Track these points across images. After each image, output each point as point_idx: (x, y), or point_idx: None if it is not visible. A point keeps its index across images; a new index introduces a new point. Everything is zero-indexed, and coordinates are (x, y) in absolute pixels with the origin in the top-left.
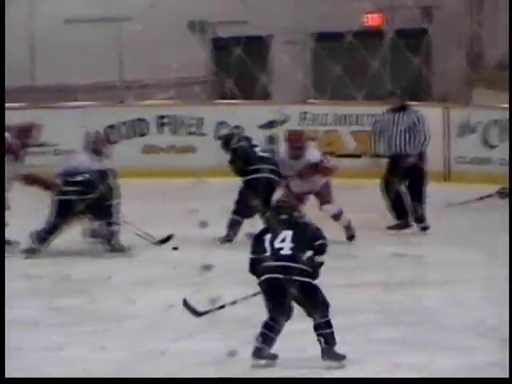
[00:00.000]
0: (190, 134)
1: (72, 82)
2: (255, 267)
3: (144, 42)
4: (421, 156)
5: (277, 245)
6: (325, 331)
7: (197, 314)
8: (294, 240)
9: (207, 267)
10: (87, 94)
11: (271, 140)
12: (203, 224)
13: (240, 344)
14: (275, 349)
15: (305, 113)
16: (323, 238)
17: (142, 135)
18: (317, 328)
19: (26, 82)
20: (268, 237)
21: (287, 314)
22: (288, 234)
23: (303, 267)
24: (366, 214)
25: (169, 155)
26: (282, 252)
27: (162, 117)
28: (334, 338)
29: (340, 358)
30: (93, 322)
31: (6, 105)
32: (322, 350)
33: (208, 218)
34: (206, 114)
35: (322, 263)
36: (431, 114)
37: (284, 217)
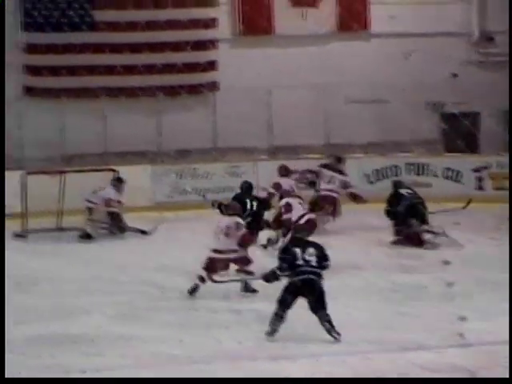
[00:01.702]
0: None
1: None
2: (285, 269)
3: None
4: None
5: (307, 257)
6: (327, 318)
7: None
8: (316, 255)
9: None
10: None
11: None
12: None
13: None
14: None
15: None
16: (328, 256)
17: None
18: (321, 317)
19: None
20: (298, 250)
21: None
22: (312, 250)
23: (321, 274)
24: None
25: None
26: (312, 263)
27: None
28: (331, 323)
29: (337, 334)
30: None
31: None
32: (327, 330)
33: None
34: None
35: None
36: None
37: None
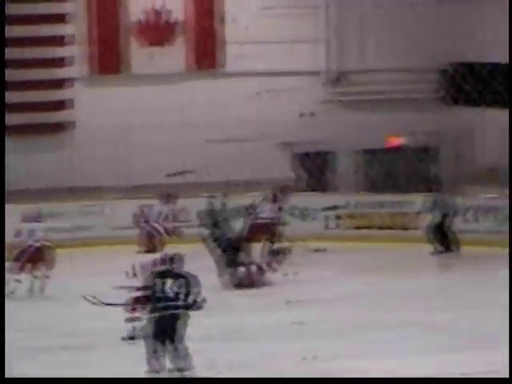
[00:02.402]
0: None
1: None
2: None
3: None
4: None
5: (168, 290)
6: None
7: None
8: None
9: None
10: None
11: None
12: None
13: None
14: None
15: None
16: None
17: None
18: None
19: None
20: (159, 282)
21: None
22: (172, 282)
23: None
24: None
25: None
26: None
27: None
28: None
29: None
30: None
31: None
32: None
33: None
34: None
35: None
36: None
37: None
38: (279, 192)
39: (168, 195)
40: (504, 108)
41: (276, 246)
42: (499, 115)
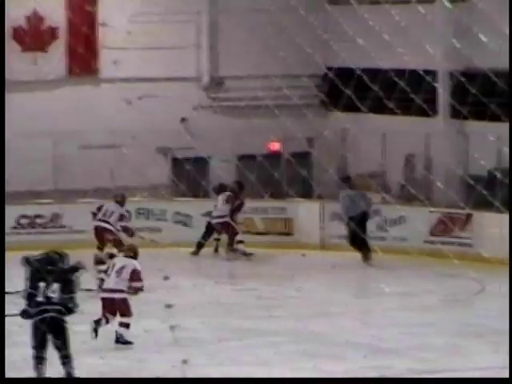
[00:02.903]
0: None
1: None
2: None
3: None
4: None
5: (50, 293)
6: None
7: None
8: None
9: None
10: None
11: None
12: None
13: None
14: None
15: None
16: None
17: None
18: (63, 357)
19: None
20: (42, 285)
21: None
22: (56, 286)
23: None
24: None
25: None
26: (55, 300)
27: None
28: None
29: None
30: None
31: None
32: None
33: None
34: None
35: None
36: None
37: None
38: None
39: (122, 196)
40: (382, 114)
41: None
42: (378, 120)
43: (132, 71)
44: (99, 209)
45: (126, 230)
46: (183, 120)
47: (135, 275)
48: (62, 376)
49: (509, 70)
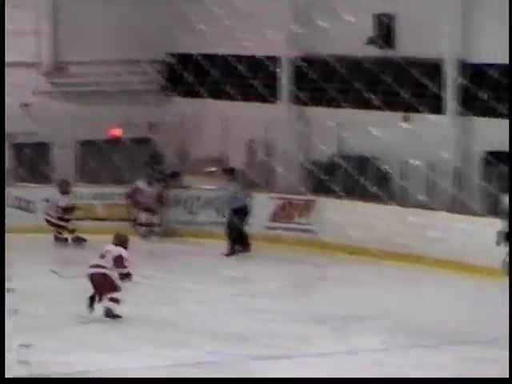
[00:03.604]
0: None
1: None
2: None
3: None
4: None
5: None
6: None
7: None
8: None
9: None
10: None
11: None
12: None
13: None
14: None
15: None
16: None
17: None
18: None
19: None
20: None
21: None
22: None
23: None
24: None
25: None
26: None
27: None
28: None
29: None
30: None
31: None
32: None
33: None
34: None
35: None
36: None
37: None
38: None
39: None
40: (223, 99)
41: None
42: (219, 106)
43: None
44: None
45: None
46: (24, 105)
47: (118, 261)
48: None
49: (509, 69)
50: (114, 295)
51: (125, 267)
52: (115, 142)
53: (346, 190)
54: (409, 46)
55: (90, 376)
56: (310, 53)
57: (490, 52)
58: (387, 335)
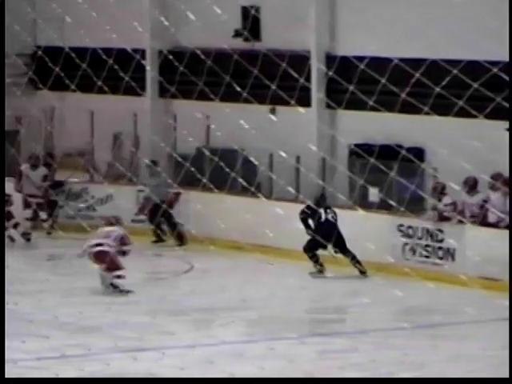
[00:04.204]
0: None
1: None
2: None
3: None
4: None
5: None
6: None
7: None
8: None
9: None
10: None
11: None
12: None
13: None
14: None
15: None
16: None
17: None
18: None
19: None
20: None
21: None
22: None
23: None
24: None
25: None
26: None
27: None
28: None
29: None
30: None
31: None
32: None
33: None
34: None
35: None
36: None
37: None
38: None
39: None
40: (91, 92)
41: None
42: (86, 99)
43: None
44: None
45: None
46: None
47: (126, 239)
48: None
49: (509, 67)
50: (119, 273)
51: (130, 244)
52: None
53: (213, 182)
54: (275, 38)
55: None
56: (176, 45)
57: (357, 45)
58: (250, 327)
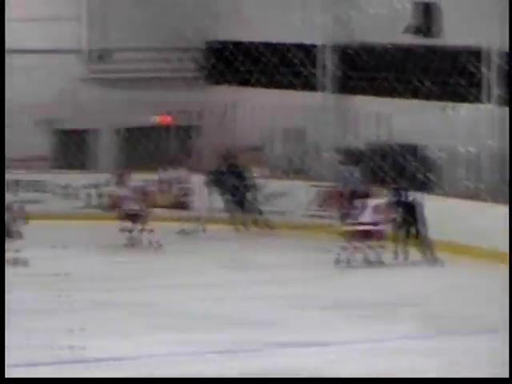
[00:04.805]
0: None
1: None
2: None
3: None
4: None
5: None
6: None
7: None
8: None
9: None
10: None
11: None
12: None
13: None
14: None
15: None
16: None
17: None
18: None
19: None
20: None
21: None
22: None
23: None
24: None
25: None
26: None
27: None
28: None
29: None
30: None
31: None
32: None
33: None
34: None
35: None
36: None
37: None
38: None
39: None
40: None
41: None
42: (257, 94)
43: (14, 43)
44: None
45: None
46: (65, 92)
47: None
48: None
49: (509, 76)
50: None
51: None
52: (159, 128)
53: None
54: (454, 34)
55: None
56: (358, 40)
57: None
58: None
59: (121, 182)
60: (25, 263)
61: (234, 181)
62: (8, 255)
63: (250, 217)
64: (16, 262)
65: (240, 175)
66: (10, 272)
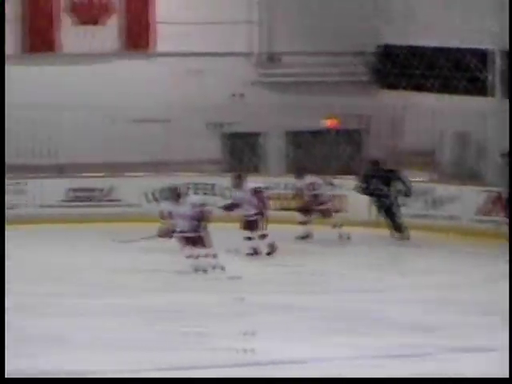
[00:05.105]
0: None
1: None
2: None
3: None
4: None
5: None
6: None
7: None
8: None
9: None
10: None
11: None
12: None
13: None
14: None
15: None
16: None
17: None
18: None
19: None
20: None
21: None
22: None
23: None
24: None
25: None
26: None
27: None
28: None
29: None
30: None
31: None
32: None
33: None
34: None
35: None
36: None
37: None
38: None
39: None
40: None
41: None
42: (425, 99)
43: (185, 46)
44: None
45: None
46: (235, 96)
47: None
48: None
49: (509, 68)
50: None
51: None
52: (328, 132)
53: None
54: None
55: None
56: None
57: None
58: None
59: (237, 184)
60: (222, 268)
61: (380, 186)
62: (206, 260)
63: (393, 224)
64: (214, 266)
65: (387, 180)
66: (205, 276)
